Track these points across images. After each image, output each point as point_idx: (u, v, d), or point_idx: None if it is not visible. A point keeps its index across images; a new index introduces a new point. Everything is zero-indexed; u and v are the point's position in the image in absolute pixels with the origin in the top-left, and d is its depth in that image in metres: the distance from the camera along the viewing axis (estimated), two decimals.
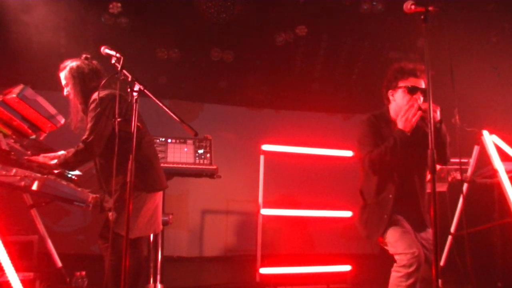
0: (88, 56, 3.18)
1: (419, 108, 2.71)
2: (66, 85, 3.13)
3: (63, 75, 3.13)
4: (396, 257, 2.73)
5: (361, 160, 2.88)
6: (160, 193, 3.20)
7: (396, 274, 2.69)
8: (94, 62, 3.19)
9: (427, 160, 2.27)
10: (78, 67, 3.10)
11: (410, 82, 2.81)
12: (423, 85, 2.82)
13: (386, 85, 2.94)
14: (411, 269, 2.61)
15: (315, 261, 4.78)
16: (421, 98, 2.81)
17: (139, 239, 3.11)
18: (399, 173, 2.84)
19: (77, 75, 3.08)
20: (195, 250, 5.64)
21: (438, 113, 2.69)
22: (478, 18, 4.99)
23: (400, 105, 2.84)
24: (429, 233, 2.90)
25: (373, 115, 2.96)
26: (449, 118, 2.93)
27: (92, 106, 2.97)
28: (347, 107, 6.20)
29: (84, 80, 3.08)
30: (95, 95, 2.98)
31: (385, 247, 2.86)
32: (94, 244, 4.74)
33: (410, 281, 2.61)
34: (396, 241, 2.73)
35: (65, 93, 3.15)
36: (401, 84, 2.84)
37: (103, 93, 2.96)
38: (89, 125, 2.95)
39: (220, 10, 4.82)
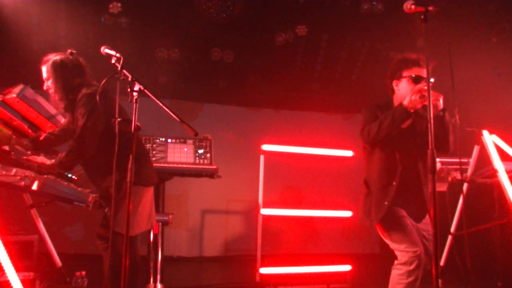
0: (74, 51, 3.10)
1: (423, 95, 2.67)
2: (47, 79, 3.04)
3: (44, 69, 3.05)
4: (397, 253, 2.75)
5: (360, 134, 2.89)
6: (153, 188, 3.19)
7: (396, 272, 2.71)
8: (80, 58, 3.10)
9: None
10: (62, 61, 3.02)
11: (414, 71, 2.82)
12: (425, 75, 2.71)
13: (390, 76, 2.95)
14: (412, 267, 2.62)
15: (315, 261, 4.78)
16: (425, 87, 2.70)
17: (134, 238, 3.11)
18: (402, 161, 2.85)
19: (60, 70, 3.00)
20: (195, 250, 5.64)
21: (441, 101, 2.68)
22: (478, 18, 4.98)
23: (405, 94, 2.80)
24: (429, 223, 2.88)
25: (376, 104, 2.97)
26: (449, 118, 2.93)
27: (82, 102, 2.92)
28: (347, 107, 6.20)
29: (67, 76, 3.00)
30: (84, 91, 2.95)
31: (385, 240, 2.86)
32: (94, 244, 4.74)
33: (411, 279, 2.63)
34: (399, 239, 2.74)
35: (44, 87, 3.07)
36: (405, 73, 2.85)
37: (90, 89, 2.94)
38: (80, 122, 2.91)
39: (220, 10, 4.82)
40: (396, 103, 2.89)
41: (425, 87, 2.58)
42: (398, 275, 2.69)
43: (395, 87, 2.93)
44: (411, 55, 2.87)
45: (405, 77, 2.85)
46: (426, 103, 2.54)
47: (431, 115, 2.30)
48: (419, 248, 2.65)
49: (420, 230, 2.87)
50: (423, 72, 2.80)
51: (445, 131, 2.76)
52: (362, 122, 2.91)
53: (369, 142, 2.86)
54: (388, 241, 2.83)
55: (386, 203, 2.79)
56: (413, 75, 2.81)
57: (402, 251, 2.70)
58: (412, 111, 2.69)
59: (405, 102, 2.69)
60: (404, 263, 2.67)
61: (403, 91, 2.84)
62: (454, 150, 2.91)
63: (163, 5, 4.82)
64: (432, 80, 2.58)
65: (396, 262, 2.75)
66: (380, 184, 2.86)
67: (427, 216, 2.92)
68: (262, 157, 4.69)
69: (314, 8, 4.97)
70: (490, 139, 3.87)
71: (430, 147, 2.29)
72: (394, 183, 2.81)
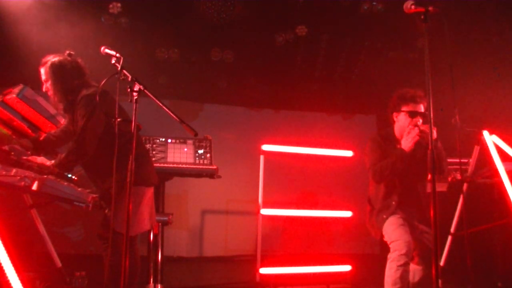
0: (72, 52, 3.10)
1: (419, 131, 3.20)
2: (46, 81, 3.05)
3: (43, 71, 3.05)
4: (390, 245, 3.18)
5: (368, 171, 3.40)
6: (153, 189, 3.19)
7: (390, 259, 3.13)
8: (78, 59, 3.10)
9: (427, 172, 2.61)
10: (60, 63, 3.02)
11: (411, 107, 3.32)
12: (422, 109, 3.33)
13: (391, 109, 3.46)
14: (402, 252, 3.05)
15: (315, 261, 4.78)
16: (420, 121, 3.30)
17: (134, 238, 3.11)
18: (402, 184, 3.33)
19: (58, 72, 3.00)
20: (195, 250, 5.63)
21: (435, 132, 3.04)
22: (478, 18, 4.98)
23: (403, 125, 3.36)
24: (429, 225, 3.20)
25: (379, 134, 3.52)
26: (449, 118, 2.94)
27: (82, 103, 2.92)
28: (347, 107, 6.20)
29: (66, 78, 3.00)
30: (83, 92, 2.95)
31: (384, 239, 3.32)
32: (94, 244, 4.74)
33: (401, 261, 3.05)
34: (392, 231, 3.21)
35: (44, 89, 3.08)
36: (403, 108, 3.35)
37: (90, 90, 2.93)
38: (80, 123, 2.91)
39: (220, 10, 4.82)
40: (396, 132, 3.43)
41: (417, 127, 3.20)
42: (390, 261, 3.11)
43: (395, 119, 3.44)
44: (409, 92, 3.35)
45: (403, 111, 3.35)
46: (422, 135, 3.16)
47: (431, 116, 2.39)
48: (408, 239, 3.10)
49: (424, 234, 3.29)
50: (419, 107, 3.33)
51: (439, 158, 3.18)
52: (368, 154, 3.42)
53: (377, 182, 3.37)
54: (385, 237, 3.29)
55: (384, 216, 3.32)
56: (410, 110, 3.31)
57: (394, 241, 3.14)
58: (408, 151, 3.20)
59: (403, 146, 3.23)
60: (395, 250, 3.09)
61: (401, 123, 3.37)
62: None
63: (163, 5, 4.81)
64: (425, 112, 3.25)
65: (389, 253, 3.17)
66: (381, 204, 3.37)
67: (428, 218, 3.06)
68: (262, 157, 4.69)
69: (314, 8, 4.97)
70: (490, 139, 3.87)
71: (430, 147, 2.40)
72: (393, 203, 3.32)
